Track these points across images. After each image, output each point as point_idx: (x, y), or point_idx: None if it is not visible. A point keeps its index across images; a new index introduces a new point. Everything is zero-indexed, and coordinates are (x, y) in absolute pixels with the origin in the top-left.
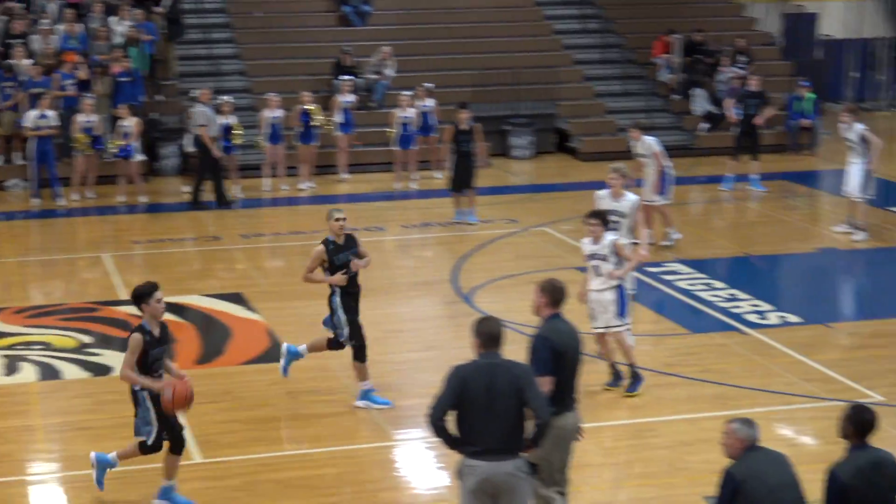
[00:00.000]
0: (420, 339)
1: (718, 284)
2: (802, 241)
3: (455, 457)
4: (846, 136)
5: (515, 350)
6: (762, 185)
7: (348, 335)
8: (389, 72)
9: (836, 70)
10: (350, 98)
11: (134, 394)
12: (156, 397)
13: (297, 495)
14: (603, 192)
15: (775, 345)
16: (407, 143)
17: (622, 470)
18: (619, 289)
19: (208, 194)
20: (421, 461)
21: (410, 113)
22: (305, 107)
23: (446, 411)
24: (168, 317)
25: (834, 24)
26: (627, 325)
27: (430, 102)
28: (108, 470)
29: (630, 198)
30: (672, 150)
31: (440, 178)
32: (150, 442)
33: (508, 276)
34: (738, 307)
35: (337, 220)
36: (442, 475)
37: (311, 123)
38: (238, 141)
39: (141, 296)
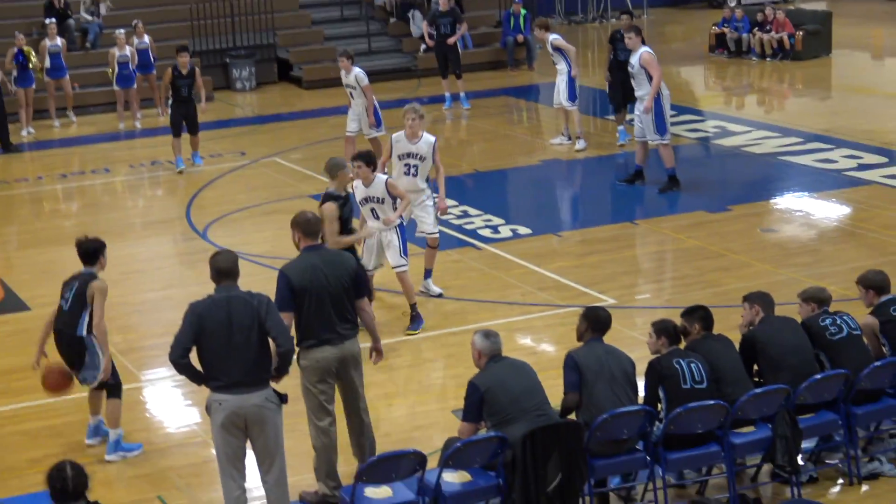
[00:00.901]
0: (158, 279)
1: (450, 202)
2: (527, 154)
3: (204, 393)
4: (547, 50)
5: (253, 282)
6: (468, 101)
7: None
8: (102, 11)
9: None
10: (57, 42)
11: (80, 340)
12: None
13: (44, 444)
14: (398, 135)
15: (509, 257)
16: (126, 82)
17: (370, 391)
18: (400, 228)
19: None
20: (169, 400)
21: (127, 51)
22: (21, 48)
23: (186, 349)
24: None
25: None
26: (406, 264)
27: (146, 39)
28: (120, 438)
29: (427, 139)
30: (393, 73)
31: (164, 117)
32: (95, 385)
33: (242, 208)
34: (470, 223)
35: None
36: (192, 412)
37: (29, 66)
38: None
39: (99, 249)
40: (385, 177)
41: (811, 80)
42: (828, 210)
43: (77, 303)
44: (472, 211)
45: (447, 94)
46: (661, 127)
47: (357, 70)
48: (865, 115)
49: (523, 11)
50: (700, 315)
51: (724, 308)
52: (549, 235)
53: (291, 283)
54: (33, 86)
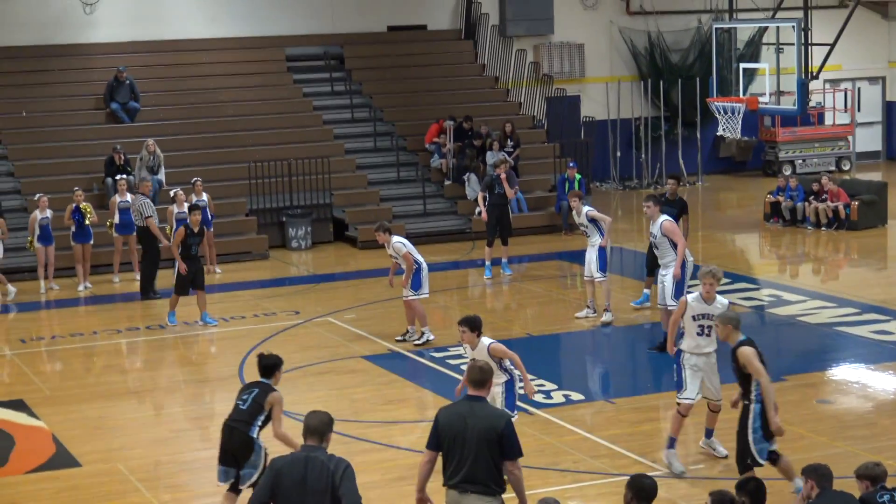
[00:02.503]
0: (208, 437)
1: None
2: (580, 319)
3: None
4: (579, 222)
5: None
6: (510, 268)
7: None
8: (163, 169)
9: (601, 150)
10: (127, 198)
11: (251, 440)
12: None
13: None
14: (694, 296)
15: (562, 423)
16: None
17: None
18: (510, 382)
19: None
20: None
21: (186, 209)
22: (78, 205)
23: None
24: None
25: (596, 105)
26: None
27: (204, 197)
28: None
29: (721, 301)
30: (448, 235)
31: (219, 273)
32: (246, 485)
33: (295, 368)
34: (522, 388)
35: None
36: None
37: (86, 222)
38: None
39: (277, 365)
40: (489, 342)
41: (867, 250)
42: (885, 382)
43: (255, 406)
44: None
45: (504, 258)
46: (678, 293)
47: (395, 241)
48: None
49: (578, 176)
50: (749, 488)
51: (780, 480)
52: (602, 402)
53: (438, 423)
54: (91, 242)
